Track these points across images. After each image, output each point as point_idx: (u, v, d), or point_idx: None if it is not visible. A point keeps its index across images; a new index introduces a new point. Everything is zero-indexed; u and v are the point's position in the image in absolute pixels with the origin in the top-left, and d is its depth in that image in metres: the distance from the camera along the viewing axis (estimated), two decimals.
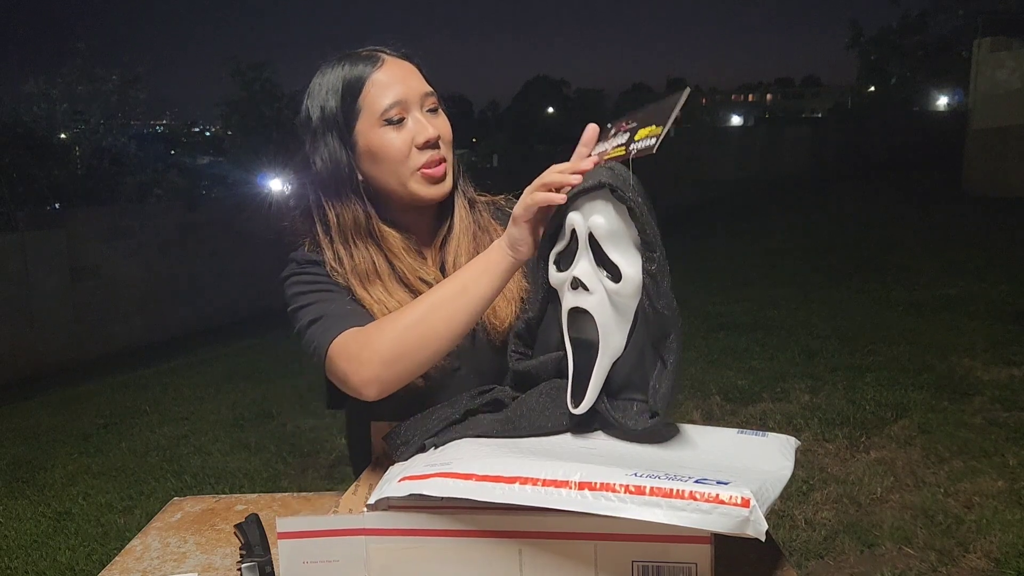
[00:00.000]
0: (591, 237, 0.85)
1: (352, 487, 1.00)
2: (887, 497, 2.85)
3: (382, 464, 0.99)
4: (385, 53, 1.12)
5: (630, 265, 0.85)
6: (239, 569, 0.94)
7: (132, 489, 3.58)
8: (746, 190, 14.42)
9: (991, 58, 12.46)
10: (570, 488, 0.74)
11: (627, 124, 0.87)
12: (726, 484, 0.72)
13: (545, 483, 0.75)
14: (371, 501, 0.82)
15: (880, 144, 19.70)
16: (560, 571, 0.78)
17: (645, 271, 0.85)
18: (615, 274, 0.85)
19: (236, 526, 1.07)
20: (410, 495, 0.79)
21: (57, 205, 9.94)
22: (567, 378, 0.91)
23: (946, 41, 23.34)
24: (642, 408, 0.90)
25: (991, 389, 3.81)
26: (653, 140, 0.82)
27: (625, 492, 0.72)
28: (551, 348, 0.97)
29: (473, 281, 0.94)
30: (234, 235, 8.38)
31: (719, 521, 0.70)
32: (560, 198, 0.86)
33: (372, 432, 1.08)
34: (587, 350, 0.88)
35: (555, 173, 0.88)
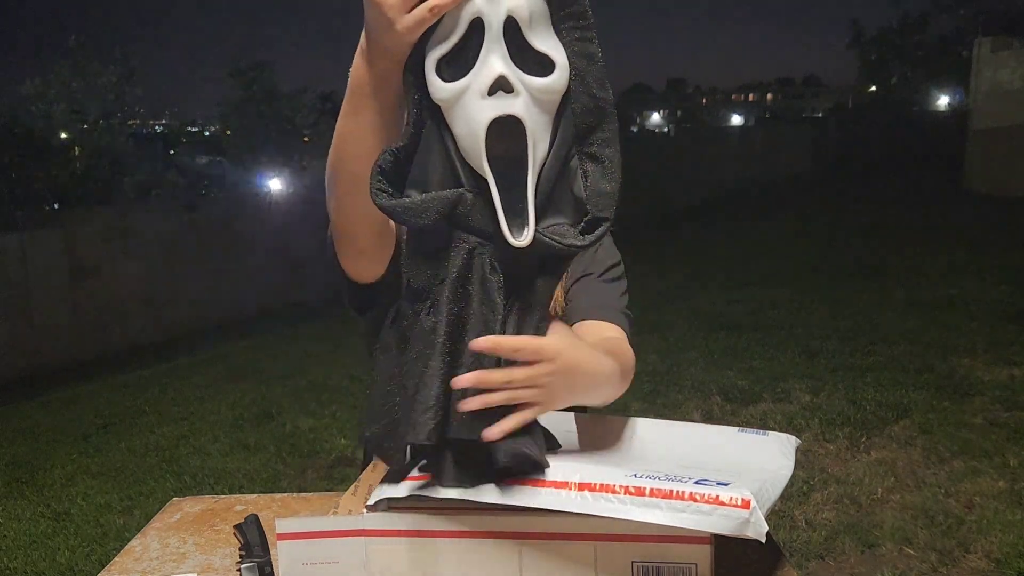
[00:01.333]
0: (507, 25, 0.70)
1: (352, 487, 0.99)
2: (888, 497, 2.84)
3: (381, 465, 0.99)
4: None
5: (558, 52, 0.73)
6: (238, 569, 0.94)
7: (131, 489, 3.58)
8: (746, 190, 14.42)
9: (992, 58, 12.46)
10: (570, 489, 0.74)
11: None
12: (726, 485, 0.71)
13: (545, 484, 0.75)
14: (371, 502, 0.81)
15: (881, 144, 19.69)
16: (560, 572, 0.78)
17: (579, 53, 0.73)
18: (543, 66, 0.72)
19: (235, 526, 1.07)
20: (410, 496, 0.79)
21: (56, 205, 9.95)
22: (492, 207, 0.72)
23: (947, 41, 23.37)
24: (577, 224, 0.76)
25: (992, 389, 3.81)
26: None
27: (625, 493, 0.72)
28: (430, 186, 0.76)
29: (348, 119, 0.81)
30: (234, 235, 8.38)
31: (719, 523, 0.70)
32: None
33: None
34: (512, 168, 0.73)
35: None
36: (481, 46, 0.70)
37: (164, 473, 3.74)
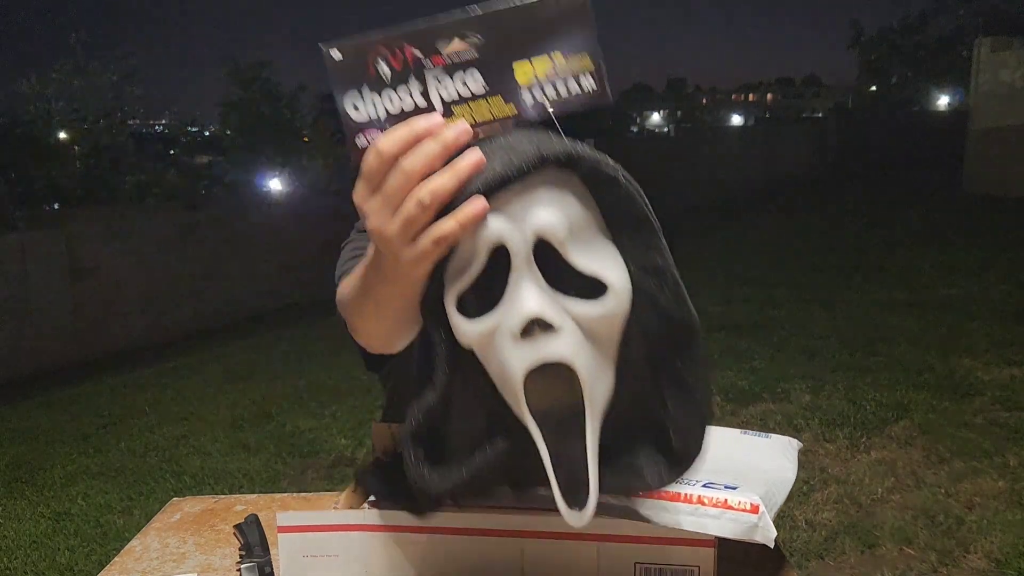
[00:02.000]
0: (538, 247, 0.55)
1: (352, 484, 0.99)
2: (888, 497, 2.84)
3: (382, 463, 0.99)
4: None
5: (613, 269, 0.58)
6: (238, 570, 0.94)
7: (131, 489, 3.58)
8: (746, 190, 14.41)
9: (991, 58, 12.46)
10: None
11: (455, 53, 0.55)
12: (734, 489, 0.71)
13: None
14: (372, 498, 0.81)
15: (881, 144, 19.67)
16: (562, 571, 0.77)
17: (642, 268, 0.59)
18: (592, 289, 0.57)
19: (235, 527, 1.07)
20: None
21: (56, 205, 9.95)
22: (544, 475, 0.59)
23: (946, 41, 23.39)
24: (658, 461, 0.64)
25: (992, 389, 3.81)
26: (589, 80, 0.55)
27: (632, 495, 0.72)
28: (471, 441, 0.64)
29: (360, 300, 0.69)
30: (233, 235, 8.37)
31: (727, 527, 0.69)
32: (479, 207, 0.53)
33: (373, 433, 1.07)
34: (566, 419, 0.59)
35: (430, 175, 0.54)
36: (508, 275, 0.56)
37: (164, 473, 3.74)
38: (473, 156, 0.54)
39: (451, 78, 0.55)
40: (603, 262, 0.58)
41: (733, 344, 4.94)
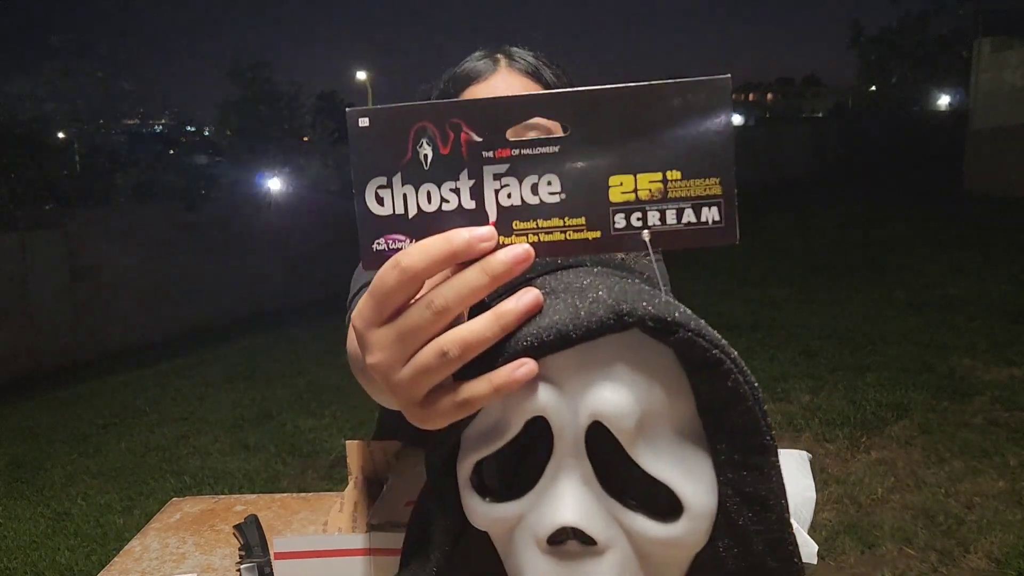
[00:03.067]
0: (594, 432, 0.41)
1: (337, 504, 0.98)
2: (888, 497, 2.84)
3: (361, 483, 0.98)
4: (508, 58, 0.93)
5: (696, 480, 0.42)
6: (238, 570, 0.94)
7: (131, 490, 3.58)
8: (746, 190, 14.26)
9: (991, 57, 12.46)
10: None
11: (529, 145, 0.40)
12: None
13: None
14: (373, 521, 0.81)
15: (881, 144, 19.68)
16: None
17: (738, 491, 0.42)
18: (661, 501, 0.42)
19: (235, 527, 1.07)
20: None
21: (55, 205, 9.94)
22: None
23: (946, 41, 23.35)
24: None
25: (992, 389, 3.81)
26: (713, 211, 0.42)
27: None
28: None
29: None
30: (233, 235, 8.37)
31: None
32: (525, 372, 0.39)
33: (348, 451, 1.01)
34: None
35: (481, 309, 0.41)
36: (547, 458, 0.43)
37: (164, 473, 3.74)
38: (528, 298, 0.40)
39: (517, 178, 0.40)
40: (683, 470, 0.42)
41: (733, 344, 4.81)
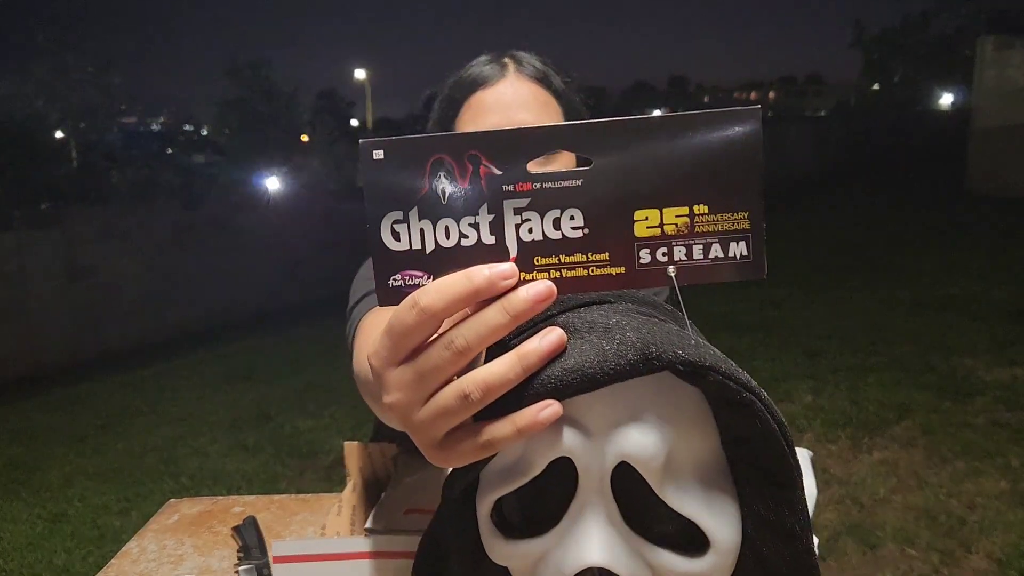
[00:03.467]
0: (620, 474, 0.41)
1: (335, 507, 0.97)
2: (890, 498, 2.83)
3: (359, 486, 0.97)
4: (516, 63, 0.91)
5: (723, 517, 0.43)
6: (236, 572, 0.93)
7: (129, 491, 3.57)
8: None
9: (994, 56, 12.44)
10: None
11: (552, 179, 0.39)
12: None
13: None
14: (371, 524, 0.80)
15: (883, 143, 19.70)
16: None
17: (766, 526, 0.43)
18: (687, 537, 0.43)
19: (233, 528, 1.06)
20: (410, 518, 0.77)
21: (53, 205, 9.93)
22: None
23: (949, 39, 23.40)
24: None
25: (994, 389, 3.80)
26: (740, 245, 0.39)
27: None
28: None
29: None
30: (232, 235, 8.37)
31: None
32: (549, 415, 0.38)
33: (345, 453, 1.02)
34: None
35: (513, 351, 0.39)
36: (569, 495, 0.43)
37: (162, 474, 3.73)
38: (551, 339, 0.39)
39: (539, 212, 0.39)
40: (708, 505, 0.42)
41: (734, 344, 4.93)
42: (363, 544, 0.79)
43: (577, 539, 0.41)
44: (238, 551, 1.00)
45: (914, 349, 4.54)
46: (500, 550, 0.45)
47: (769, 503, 0.43)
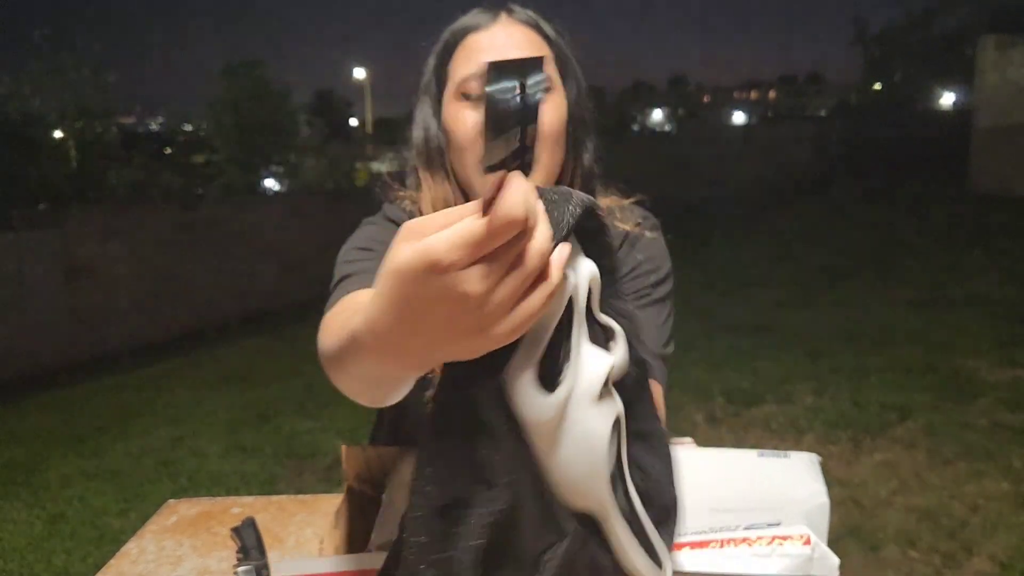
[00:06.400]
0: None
1: (333, 520, 0.96)
2: (891, 500, 2.83)
3: (355, 496, 0.96)
4: (507, 12, 0.95)
5: (613, 320, 0.56)
6: (235, 573, 0.92)
7: (127, 492, 3.56)
8: (749, 188, 14.40)
9: (996, 56, 12.43)
10: None
11: None
12: (778, 525, 0.68)
13: None
14: (376, 541, 0.79)
15: (884, 142, 19.69)
16: None
17: (619, 312, 0.56)
18: (603, 339, 0.54)
19: (232, 529, 1.05)
20: None
21: (50, 205, 9.92)
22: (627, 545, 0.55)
23: (951, 38, 23.36)
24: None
25: (996, 390, 3.79)
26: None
27: (691, 548, 0.69)
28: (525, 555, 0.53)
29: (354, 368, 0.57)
30: (230, 235, 8.36)
31: (781, 563, 0.67)
32: (563, 255, 0.46)
33: (344, 456, 0.99)
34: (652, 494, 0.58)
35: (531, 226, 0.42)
36: (570, 332, 0.50)
37: (160, 475, 3.72)
38: (563, 254, 0.45)
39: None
40: (608, 312, 0.54)
41: (736, 345, 4.93)
42: (364, 561, 0.78)
43: (590, 358, 0.51)
44: (237, 552, 0.99)
45: (915, 350, 4.53)
46: (542, 408, 0.49)
47: (614, 294, 0.55)
